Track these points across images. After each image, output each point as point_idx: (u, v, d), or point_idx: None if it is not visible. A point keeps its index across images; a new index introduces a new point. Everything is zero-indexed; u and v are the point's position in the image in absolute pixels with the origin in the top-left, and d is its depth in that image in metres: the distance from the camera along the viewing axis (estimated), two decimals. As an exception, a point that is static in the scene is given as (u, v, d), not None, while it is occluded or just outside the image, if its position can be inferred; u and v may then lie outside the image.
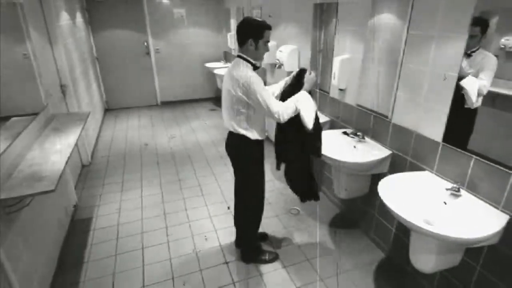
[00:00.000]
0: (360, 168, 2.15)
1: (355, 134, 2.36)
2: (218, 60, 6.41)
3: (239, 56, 1.85)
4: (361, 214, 2.58)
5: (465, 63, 1.57)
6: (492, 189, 1.51)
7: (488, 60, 1.49)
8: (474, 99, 1.56)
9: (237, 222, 2.32)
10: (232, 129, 1.94)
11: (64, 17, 3.71)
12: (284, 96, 1.94)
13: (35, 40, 2.53)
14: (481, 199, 1.57)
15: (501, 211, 1.48)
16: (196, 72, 6.48)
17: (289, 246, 2.45)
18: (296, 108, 1.82)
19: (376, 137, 2.29)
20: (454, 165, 1.70)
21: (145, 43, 5.95)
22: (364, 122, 2.39)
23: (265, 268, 2.23)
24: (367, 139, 2.33)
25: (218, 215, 2.83)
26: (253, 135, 1.92)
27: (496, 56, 1.46)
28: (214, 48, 6.41)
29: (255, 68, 1.86)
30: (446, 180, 1.75)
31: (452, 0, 1.59)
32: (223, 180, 3.44)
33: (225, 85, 1.88)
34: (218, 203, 3.02)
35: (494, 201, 1.52)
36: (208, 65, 6.05)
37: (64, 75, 3.32)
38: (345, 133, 2.46)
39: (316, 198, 2.15)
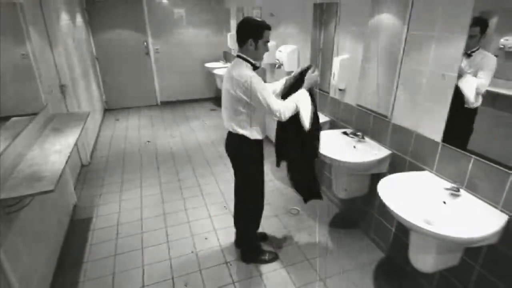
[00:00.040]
0: (360, 168, 2.15)
1: (355, 134, 2.36)
2: (218, 60, 6.41)
3: (238, 56, 1.85)
4: (361, 214, 2.58)
5: (465, 63, 1.57)
6: (492, 189, 1.52)
7: (487, 59, 1.49)
8: (471, 98, 1.57)
9: (237, 222, 2.32)
10: (231, 129, 1.94)
11: (64, 18, 3.71)
12: (290, 90, 1.95)
13: (34, 41, 2.53)
14: (481, 199, 1.57)
15: (501, 211, 1.48)
16: (196, 72, 6.48)
17: (289, 246, 2.45)
18: (296, 106, 1.83)
19: (375, 137, 2.29)
20: (454, 165, 1.70)
21: (145, 43, 5.95)
22: (364, 122, 2.39)
23: (265, 268, 2.23)
24: (366, 139, 2.34)
25: (217, 215, 2.83)
26: (252, 135, 1.92)
27: (496, 56, 1.46)
28: (214, 48, 6.41)
29: (255, 68, 1.86)
30: (446, 180, 1.75)
31: (452, 1, 1.59)
32: (223, 180, 3.44)
33: (225, 86, 1.88)
34: (218, 203, 3.02)
35: (493, 201, 1.52)
36: (208, 65, 6.05)
37: (63, 75, 3.32)
38: (345, 133, 2.46)
39: (319, 197, 2.15)
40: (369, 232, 2.51)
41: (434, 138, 1.80)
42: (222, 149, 4.13)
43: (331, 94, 2.80)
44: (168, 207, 2.96)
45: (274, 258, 2.30)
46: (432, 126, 1.80)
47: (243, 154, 2.00)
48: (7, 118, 2.03)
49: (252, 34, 1.78)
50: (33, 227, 1.96)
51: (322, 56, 2.90)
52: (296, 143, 1.99)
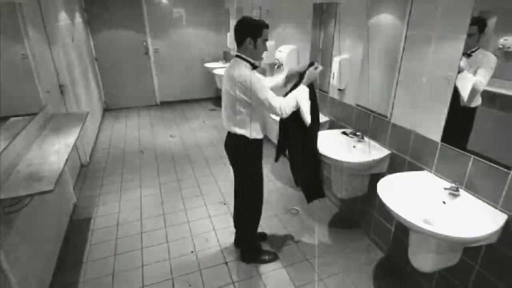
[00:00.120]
0: (359, 168, 2.15)
1: (354, 134, 2.36)
2: (217, 60, 6.40)
3: (237, 56, 1.85)
4: (361, 214, 2.59)
5: (465, 63, 1.57)
6: (491, 188, 1.52)
7: (487, 58, 1.49)
8: (465, 95, 1.57)
9: (237, 223, 2.32)
10: (231, 129, 1.94)
11: (63, 17, 3.70)
12: (293, 88, 1.96)
13: (33, 40, 2.53)
14: (480, 199, 1.58)
15: (500, 210, 1.49)
16: (196, 72, 6.47)
17: (288, 246, 2.45)
18: (297, 102, 1.83)
19: (375, 137, 2.29)
20: (453, 165, 1.70)
21: (144, 43, 5.94)
22: (363, 122, 2.39)
23: (264, 268, 2.24)
24: (366, 139, 2.34)
25: (217, 215, 2.83)
26: (252, 134, 1.92)
27: (496, 56, 1.47)
28: (213, 48, 6.40)
29: (254, 67, 1.86)
30: (445, 179, 1.75)
31: (451, 1, 1.60)
32: (222, 180, 3.44)
33: (224, 86, 1.88)
34: (217, 203, 3.01)
35: (492, 201, 1.52)
36: (208, 65, 6.04)
37: (62, 75, 3.32)
38: (344, 133, 2.46)
39: (321, 196, 2.15)
40: (368, 232, 2.51)
41: (433, 138, 1.80)
42: (221, 149, 4.14)
43: (331, 94, 2.80)
44: (167, 207, 2.96)
45: (274, 258, 2.30)
46: (432, 126, 1.81)
47: (242, 154, 2.00)
48: (6, 118, 2.03)
49: (250, 33, 1.79)
50: (33, 227, 1.95)
51: (321, 56, 2.90)
52: (297, 142, 1.99)
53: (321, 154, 2.08)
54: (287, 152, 2.19)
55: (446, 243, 1.51)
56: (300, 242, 2.49)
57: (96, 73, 5.68)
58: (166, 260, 2.31)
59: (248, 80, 1.74)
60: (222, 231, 2.62)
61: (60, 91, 3.27)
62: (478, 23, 1.49)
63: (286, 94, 1.95)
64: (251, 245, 2.32)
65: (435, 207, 1.64)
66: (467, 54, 1.56)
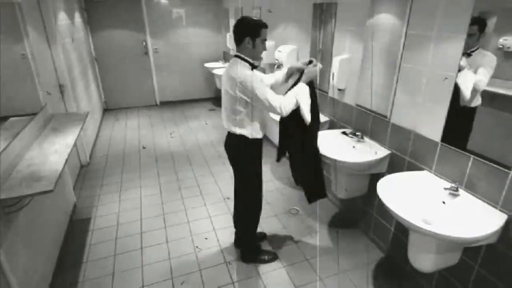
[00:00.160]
0: (359, 168, 2.15)
1: (354, 134, 2.36)
2: (217, 60, 6.40)
3: (236, 56, 1.85)
4: (360, 214, 2.59)
5: (465, 62, 1.58)
6: (490, 188, 1.52)
7: (487, 58, 1.49)
8: (467, 93, 1.57)
9: (237, 223, 2.32)
10: (231, 129, 1.94)
11: (62, 17, 3.70)
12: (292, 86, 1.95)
13: (33, 40, 2.52)
14: (480, 199, 1.58)
15: (500, 210, 1.49)
16: (195, 72, 6.47)
17: (288, 246, 2.45)
18: (297, 101, 1.83)
19: (375, 137, 2.29)
20: (453, 165, 1.70)
21: (144, 43, 5.94)
22: (363, 122, 2.39)
23: (264, 268, 2.24)
24: (366, 139, 2.34)
25: (217, 215, 2.83)
26: (251, 134, 1.92)
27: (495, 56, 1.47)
28: (213, 48, 6.40)
29: (253, 67, 1.86)
30: (445, 179, 1.76)
31: (451, 0, 1.60)
32: (222, 180, 3.44)
33: (224, 86, 1.88)
34: (217, 203, 3.01)
35: (492, 201, 1.52)
36: (207, 65, 6.04)
37: (62, 75, 3.31)
38: (344, 133, 2.46)
39: (323, 196, 2.14)
40: (368, 232, 2.51)
41: (433, 138, 1.81)
42: (221, 149, 4.14)
43: (331, 94, 2.80)
44: (167, 207, 2.96)
45: (274, 258, 2.31)
46: (431, 126, 1.81)
47: (242, 154, 2.00)
48: (5, 118, 2.03)
49: (249, 32, 1.79)
50: (33, 227, 1.95)
51: (321, 56, 2.90)
52: (297, 140, 1.98)
53: (321, 154, 2.08)
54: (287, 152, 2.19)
55: (446, 243, 1.51)
56: (300, 242, 2.49)
57: (96, 73, 5.68)
58: (166, 260, 2.31)
59: (248, 80, 1.74)
60: (222, 231, 2.62)
61: (60, 91, 3.27)
62: (478, 23, 1.49)
63: (288, 90, 1.93)
64: (251, 245, 2.32)
65: (434, 207, 1.65)
66: (467, 53, 1.56)
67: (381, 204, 1.60)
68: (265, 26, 1.82)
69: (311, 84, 1.91)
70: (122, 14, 5.63)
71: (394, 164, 2.11)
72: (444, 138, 1.74)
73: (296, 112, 1.87)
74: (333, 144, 2.29)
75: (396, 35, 1.95)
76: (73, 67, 3.81)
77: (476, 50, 1.54)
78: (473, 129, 1.60)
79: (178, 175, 3.57)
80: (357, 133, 2.35)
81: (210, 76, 6.35)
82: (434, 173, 1.83)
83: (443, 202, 1.64)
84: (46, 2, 3.05)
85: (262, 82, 1.79)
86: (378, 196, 1.64)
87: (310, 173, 2.06)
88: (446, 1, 1.62)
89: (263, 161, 2.09)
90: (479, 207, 1.54)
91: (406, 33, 1.88)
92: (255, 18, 1.85)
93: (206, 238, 2.54)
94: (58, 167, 1.72)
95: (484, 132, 1.57)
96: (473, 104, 1.58)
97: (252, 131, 1.92)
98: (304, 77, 1.89)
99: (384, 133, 2.18)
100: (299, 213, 2.87)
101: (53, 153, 1.91)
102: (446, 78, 1.67)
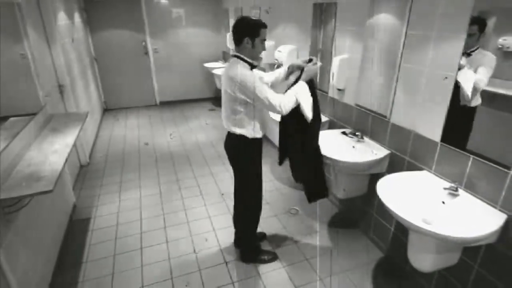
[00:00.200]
0: (359, 168, 2.15)
1: (354, 134, 2.36)
2: (217, 60, 6.40)
3: (235, 56, 1.85)
4: (360, 214, 2.59)
5: (464, 62, 1.58)
6: (490, 188, 1.52)
7: (487, 58, 1.50)
8: (468, 92, 1.56)
9: (237, 223, 2.32)
10: (230, 129, 1.94)
11: (62, 17, 3.70)
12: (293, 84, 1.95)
13: (33, 40, 2.52)
14: (479, 198, 1.58)
15: (499, 210, 1.49)
16: (195, 72, 6.47)
17: (288, 246, 2.45)
18: (296, 99, 1.82)
19: (374, 137, 2.29)
20: (452, 165, 1.71)
21: (144, 43, 5.94)
22: (363, 122, 2.39)
23: (264, 268, 2.24)
24: (365, 139, 2.34)
25: (217, 215, 2.83)
26: (251, 134, 1.92)
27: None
28: (213, 48, 6.40)
29: (253, 67, 1.86)
30: (444, 179, 1.76)
31: (451, 0, 1.60)
32: (222, 180, 3.44)
33: (223, 86, 1.88)
34: (217, 203, 3.01)
35: (492, 200, 1.52)
36: (207, 65, 6.04)
37: (62, 75, 3.31)
38: (344, 133, 2.46)
39: (323, 196, 2.13)
40: (368, 232, 2.52)
41: (433, 138, 1.81)
42: (221, 149, 4.14)
43: (330, 94, 2.80)
44: (167, 207, 2.96)
45: (274, 258, 2.31)
46: (431, 126, 1.81)
47: (242, 153, 2.00)
48: (5, 118, 2.03)
49: (249, 32, 1.78)
50: (32, 227, 1.95)
51: (321, 56, 2.90)
52: (297, 140, 1.98)
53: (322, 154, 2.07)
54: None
55: (445, 243, 1.51)
56: (299, 242, 2.49)
57: (95, 73, 5.68)
58: (166, 260, 2.31)
59: (248, 80, 1.74)
60: (222, 231, 2.62)
61: (59, 91, 3.27)
62: (478, 23, 1.49)
63: (289, 88, 1.92)
64: (250, 245, 2.32)
65: (434, 207, 1.65)
66: (466, 53, 1.56)
67: (381, 204, 1.60)
68: (264, 26, 1.82)
69: (311, 82, 1.90)
70: (122, 14, 5.63)
71: (394, 164, 2.11)
72: (444, 138, 1.74)
73: (296, 111, 1.86)
74: (333, 144, 2.29)
75: (396, 35, 1.95)
76: (72, 67, 3.81)
77: (476, 50, 1.54)
78: (473, 129, 1.61)
79: (178, 175, 3.57)
80: (356, 133, 2.35)
81: (210, 76, 6.35)
82: (433, 173, 1.83)
83: (443, 202, 1.64)
84: (46, 2, 3.05)
85: (262, 81, 1.79)
86: (378, 196, 1.64)
87: (310, 173, 2.06)
88: (446, 1, 1.62)
89: (263, 161, 2.09)
90: (478, 207, 1.54)
91: (406, 33, 1.88)
92: (254, 18, 1.85)
93: (206, 238, 2.54)
94: (57, 167, 1.72)
95: (483, 132, 1.58)
96: (473, 104, 1.58)
97: (251, 130, 1.92)
98: (303, 75, 1.88)
99: (384, 133, 2.18)
100: (299, 213, 2.87)
101: (52, 153, 1.91)
102: (446, 78, 1.67)
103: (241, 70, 1.77)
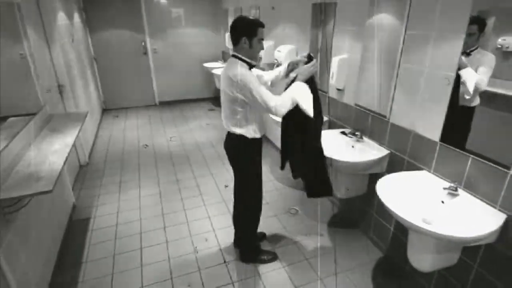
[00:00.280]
0: (358, 167, 2.15)
1: (353, 134, 2.37)
2: (216, 60, 6.40)
3: (234, 56, 1.85)
4: (360, 214, 2.59)
5: (466, 61, 1.58)
6: (490, 188, 1.52)
7: (486, 58, 1.50)
8: (470, 90, 1.56)
9: (236, 223, 2.32)
10: (230, 129, 1.94)
11: (61, 17, 3.70)
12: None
13: (32, 40, 2.52)
14: (479, 198, 1.58)
15: (499, 210, 1.49)
16: (195, 72, 6.47)
17: (288, 246, 2.45)
18: (293, 100, 1.80)
19: (374, 137, 2.29)
20: (452, 165, 1.71)
21: (143, 43, 5.94)
22: (362, 122, 2.39)
23: (264, 268, 2.24)
24: (365, 138, 2.34)
25: (216, 215, 2.83)
26: (250, 134, 1.92)
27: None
28: (212, 48, 6.40)
29: (251, 67, 1.85)
30: (444, 179, 1.76)
31: (450, 0, 1.60)
32: (221, 180, 3.44)
33: (222, 86, 1.88)
34: (217, 203, 3.01)
35: (491, 200, 1.53)
36: (207, 65, 6.04)
37: (61, 75, 3.31)
38: (343, 133, 2.47)
39: (324, 194, 2.12)
40: (368, 232, 2.52)
41: (432, 137, 1.81)
42: (220, 149, 4.14)
43: (330, 94, 2.81)
44: (166, 207, 2.96)
45: (273, 258, 2.31)
46: (430, 125, 1.81)
47: (242, 153, 2.00)
48: (5, 118, 2.03)
49: (246, 32, 1.78)
50: (32, 227, 1.95)
51: (320, 56, 2.90)
52: (297, 140, 1.97)
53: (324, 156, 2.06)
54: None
55: (445, 243, 1.51)
56: (299, 242, 2.49)
57: (95, 73, 5.68)
58: (165, 260, 2.31)
59: (244, 79, 1.73)
60: (222, 231, 2.62)
61: (59, 91, 3.26)
62: (478, 22, 1.49)
63: (288, 86, 1.89)
64: (250, 245, 2.32)
65: (434, 206, 1.65)
66: (466, 53, 1.57)
67: (381, 204, 1.60)
68: (261, 25, 1.81)
69: (311, 82, 1.87)
70: (121, 14, 5.63)
71: (394, 164, 2.11)
72: (443, 138, 1.74)
73: (296, 111, 1.85)
74: (332, 144, 2.30)
75: (395, 35, 1.96)
76: (72, 67, 3.81)
77: (475, 49, 1.54)
78: (472, 129, 1.61)
79: (178, 175, 3.56)
80: (356, 133, 2.36)
81: (209, 76, 6.35)
82: (433, 173, 1.83)
83: (442, 202, 1.64)
84: (45, 2, 3.05)
85: (261, 80, 1.78)
86: (377, 196, 1.64)
87: (310, 173, 2.05)
88: (445, 1, 1.62)
89: (263, 161, 2.09)
90: (478, 206, 1.54)
91: (405, 32, 1.88)
92: (251, 18, 1.84)
93: (205, 238, 2.54)
94: (57, 167, 1.72)
95: (483, 132, 1.58)
96: (472, 104, 1.59)
97: (251, 130, 1.92)
98: (298, 77, 1.85)
99: (383, 132, 2.18)
100: (299, 213, 2.87)
101: (52, 153, 1.90)
102: (445, 78, 1.67)
103: (240, 70, 1.77)
